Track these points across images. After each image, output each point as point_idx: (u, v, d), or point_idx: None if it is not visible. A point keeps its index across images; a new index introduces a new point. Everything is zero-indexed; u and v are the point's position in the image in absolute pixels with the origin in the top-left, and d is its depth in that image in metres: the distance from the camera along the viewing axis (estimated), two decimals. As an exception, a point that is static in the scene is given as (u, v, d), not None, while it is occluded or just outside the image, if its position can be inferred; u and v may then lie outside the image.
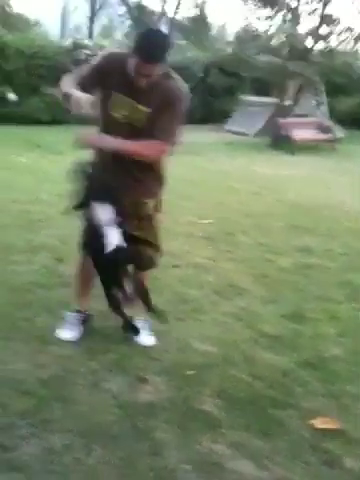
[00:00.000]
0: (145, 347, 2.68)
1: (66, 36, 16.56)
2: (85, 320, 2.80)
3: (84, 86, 2.40)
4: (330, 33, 12.20)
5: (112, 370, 2.46)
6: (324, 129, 13.05)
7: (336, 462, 2.01)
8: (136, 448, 1.97)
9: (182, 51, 15.40)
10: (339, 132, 13.68)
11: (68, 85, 2.40)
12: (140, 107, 2.41)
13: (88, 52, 12.65)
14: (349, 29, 12.11)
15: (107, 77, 2.44)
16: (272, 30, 12.68)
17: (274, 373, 2.57)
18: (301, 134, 12.15)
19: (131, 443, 1.99)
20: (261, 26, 13.06)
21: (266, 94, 15.97)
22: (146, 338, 2.76)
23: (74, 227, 4.58)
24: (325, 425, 2.21)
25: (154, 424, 2.11)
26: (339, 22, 12.05)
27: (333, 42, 12.39)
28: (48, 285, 3.30)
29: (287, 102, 13.67)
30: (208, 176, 7.36)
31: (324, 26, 12.22)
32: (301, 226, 5.25)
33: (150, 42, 2.30)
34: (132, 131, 2.43)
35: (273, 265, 4.09)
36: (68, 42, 13.18)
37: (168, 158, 2.59)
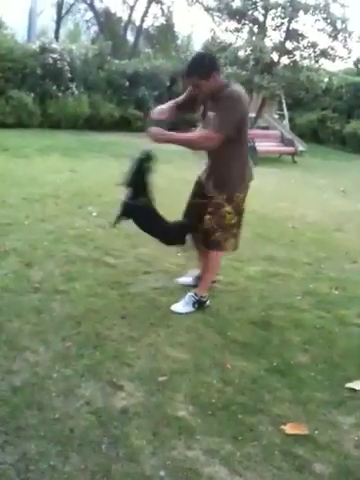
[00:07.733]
0: (117, 353, 2.69)
1: (33, 39, 16.26)
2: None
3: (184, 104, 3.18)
4: (295, 48, 12.52)
5: (84, 376, 2.44)
6: (287, 142, 13.37)
7: (306, 467, 2.05)
8: (111, 454, 1.97)
9: (149, 59, 15.42)
10: (301, 145, 14.04)
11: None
12: (209, 113, 2.99)
13: (56, 56, 12.52)
14: (313, 45, 12.44)
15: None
16: (239, 42, 12.88)
17: (244, 379, 2.61)
18: (264, 146, 12.39)
19: (106, 449, 1.99)
20: (228, 38, 13.25)
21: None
22: (178, 306, 3.27)
23: (42, 232, 4.54)
24: (295, 430, 2.26)
25: (128, 430, 2.11)
26: (304, 38, 12.37)
27: (297, 57, 12.69)
28: (18, 290, 3.25)
29: (251, 114, 13.92)
30: (175, 184, 7.38)
31: (288, 41, 12.55)
32: (267, 236, 5.36)
33: (188, 63, 2.92)
34: None
35: (241, 273, 4.16)
36: (36, 45, 12.98)
37: (235, 158, 3.18)
